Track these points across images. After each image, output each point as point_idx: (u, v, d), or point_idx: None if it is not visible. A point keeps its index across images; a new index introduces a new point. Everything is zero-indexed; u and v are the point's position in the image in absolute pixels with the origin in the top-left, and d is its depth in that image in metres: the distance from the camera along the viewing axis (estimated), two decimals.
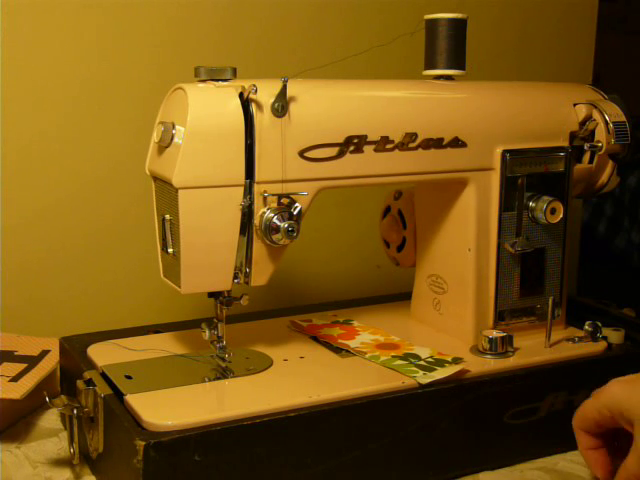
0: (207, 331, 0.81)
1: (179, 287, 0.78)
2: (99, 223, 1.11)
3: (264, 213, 0.77)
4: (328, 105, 0.80)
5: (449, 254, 0.92)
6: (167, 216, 0.78)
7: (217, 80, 0.77)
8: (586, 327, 0.91)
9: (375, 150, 0.82)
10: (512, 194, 0.88)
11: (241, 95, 0.75)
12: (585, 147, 0.92)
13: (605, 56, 1.58)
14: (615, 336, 0.92)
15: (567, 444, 0.73)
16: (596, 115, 0.93)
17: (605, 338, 0.91)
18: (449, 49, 0.88)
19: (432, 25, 0.89)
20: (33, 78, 1.05)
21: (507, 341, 0.87)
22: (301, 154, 0.78)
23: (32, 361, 0.93)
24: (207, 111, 0.75)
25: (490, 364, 0.85)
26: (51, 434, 0.88)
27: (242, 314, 0.94)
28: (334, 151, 0.80)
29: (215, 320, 0.82)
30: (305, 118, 0.78)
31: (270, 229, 0.77)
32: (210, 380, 0.80)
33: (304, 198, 0.79)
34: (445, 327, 0.93)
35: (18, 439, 0.86)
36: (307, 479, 0.75)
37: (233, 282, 0.79)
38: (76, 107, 1.08)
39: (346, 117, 0.80)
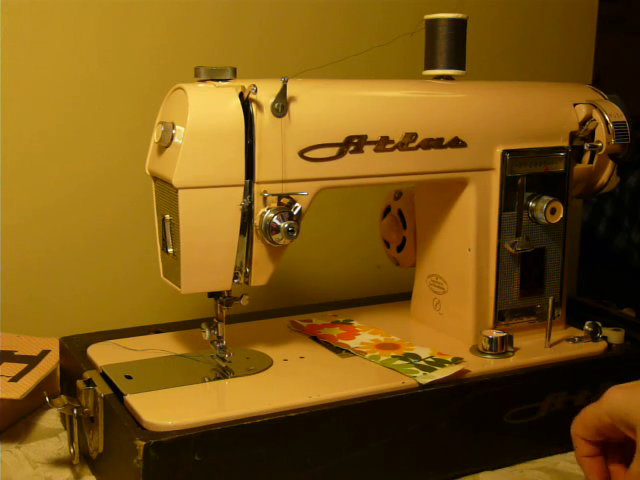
0: (207, 331, 0.81)
1: (179, 287, 0.78)
2: (99, 223, 1.11)
3: (264, 213, 0.77)
4: (328, 105, 0.80)
5: (449, 254, 0.92)
6: (167, 216, 0.78)
7: (217, 80, 0.77)
8: (586, 327, 0.91)
9: (375, 150, 0.82)
10: (512, 194, 0.88)
11: (241, 95, 0.75)
12: (585, 147, 0.92)
13: (605, 56, 1.58)
14: (615, 336, 0.92)
15: (567, 444, 0.73)
16: (596, 115, 0.93)
17: (605, 338, 0.91)
18: (449, 49, 0.88)
19: (432, 25, 0.89)
20: (33, 78, 1.05)
21: (507, 341, 0.87)
22: (301, 154, 0.78)
23: (32, 361, 0.93)
24: (207, 111, 0.74)
25: (490, 364, 0.85)
26: (51, 434, 0.88)
27: (242, 314, 0.94)
28: (334, 151, 0.80)
29: (215, 320, 0.82)
30: (305, 118, 0.78)
31: (270, 229, 0.77)
32: (210, 380, 0.80)
33: (304, 198, 0.79)
34: (445, 327, 0.93)
35: (18, 439, 0.86)
36: (307, 479, 0.75)
37: (233, 282, 0.79)
38: (76, 107, 1.08)
39: (346, 117, 0.80)
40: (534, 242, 0.90)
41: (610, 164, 0.95)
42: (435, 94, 0.88)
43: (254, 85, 0.74)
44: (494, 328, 0.89)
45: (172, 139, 0.75)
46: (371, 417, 0.77)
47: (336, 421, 0.75)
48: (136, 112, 1.09)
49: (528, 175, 0.89)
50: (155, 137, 0.76)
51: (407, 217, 0.99)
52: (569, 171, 0.91)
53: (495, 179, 0.88)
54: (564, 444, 0.75)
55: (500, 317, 0.90)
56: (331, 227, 1.24)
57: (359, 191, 1.20)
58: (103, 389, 0.77)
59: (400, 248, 1.00)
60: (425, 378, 0.79)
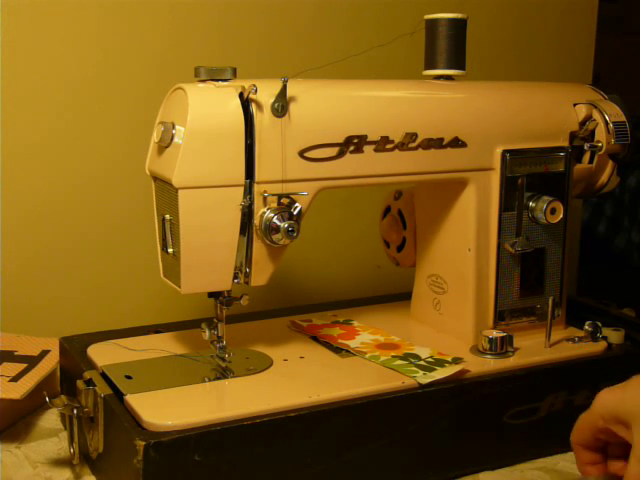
0: (207, 331, 0.81)
1: (179, 287, 0.78)
2: (99, 223, 1.11)
3: (264, 213, 0.77)
4: (328, 105, 0.80)
5: (449, 254, 0.92)
6: (167, 216, 0.78)
7: (217, 80, 0.77)
8: (586, 327, 0.91)
9: (375, 150, 0.82)
10: (512, 194, 0.88)
11: (241, 95, 0.75)
12: (585, 147, 0.92)
13: (605, 56, 1.58)
14: (615, 336, 0.92)
15: (567, 444, 0.73)
16: (596, 115, 0.93)
17: (605, 338, 0.91)
18: (449, 49, 0.88)
19: (432, 25, 0.89)
20: (33, 78, 1.05)
21: (507, 341, 0.87)
22: (301, 154, 0.78)
23: (32, 361, 0.93)
24: (207, 111, 0.74)
25: (490, 364, 0.85)
26: (51, 434, 0.88)
27: (242, 314, 0.94)
28: (334, 151, 0.80)
29: (215, 320, 0.82)
30: (305, 118, 0.78)
31: (270, 229, 0.77)
32: (210, 380, 0.80)
33: (304, 198, 0.79)
34: (445, 327, 0.93)
35: (18, 439, 0.86)
36: (307, 479, 0.75)
37: (233, 282, 0.79)
38: (76, 107, 1.08)
39: (346, 117, 0.80)
40: (534, 242, 0.90)
41: (610, 164, 0.95)
42: (435, 94, 0.88)
43: (254, 85, 0.74)
44: (494, 328, 0.89)
45: (172, 139, 0.75)
46: (371, 417, 0.77)
47: (336, 421, 0.75)
48: (136, 112, 1.09)
49: (528, 175, 0.89)
50: (155, 137, 0.76)
51: (407, 217, 0.99)
52: (569, 171, 0.91)
53: (495, 179, 0.88)
54: (564, 444, 0.75)
55: (500, 317, 0.90)
56: (331, 227, 1.24)
57: (359, 191, 1.20)
58: (103, 389, 0.77)
59: (400, 248, 1.00)
60: (425, 378, 0.79)
